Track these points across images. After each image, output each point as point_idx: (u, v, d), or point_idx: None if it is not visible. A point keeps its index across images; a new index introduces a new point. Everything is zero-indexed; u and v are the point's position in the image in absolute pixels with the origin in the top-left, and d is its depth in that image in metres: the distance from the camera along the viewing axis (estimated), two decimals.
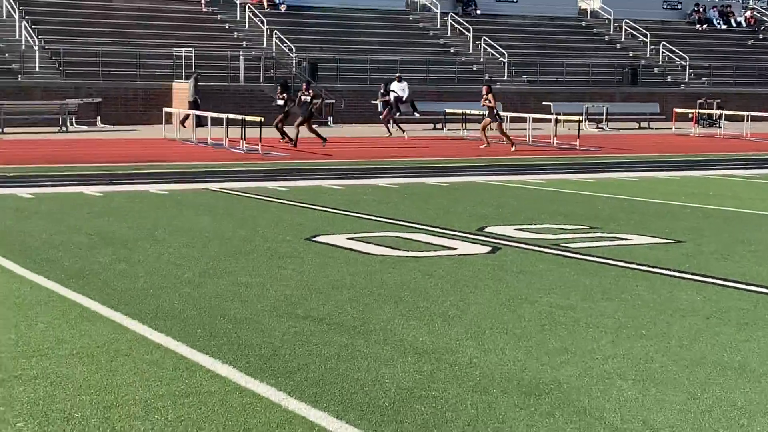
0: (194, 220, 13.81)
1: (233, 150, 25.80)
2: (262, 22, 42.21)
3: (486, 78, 42.13)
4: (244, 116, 26.58)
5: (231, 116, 27.10)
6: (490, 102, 27.70)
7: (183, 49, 37.94)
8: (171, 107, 33.88)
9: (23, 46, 36.79)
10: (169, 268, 10.19)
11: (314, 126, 28.42)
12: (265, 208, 15.31)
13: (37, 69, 36.10)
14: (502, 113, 30.42)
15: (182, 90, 36.26)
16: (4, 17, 38.70)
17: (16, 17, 38.03)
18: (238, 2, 43.33)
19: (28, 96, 34.67)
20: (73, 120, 33.96)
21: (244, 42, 41.45)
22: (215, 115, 28.21)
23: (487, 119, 28.17)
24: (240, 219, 13.98)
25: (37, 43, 36.84)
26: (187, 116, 31.20)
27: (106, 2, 41.68)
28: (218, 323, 7.87)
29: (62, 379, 6.36)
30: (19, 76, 35.68)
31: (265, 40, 41.83)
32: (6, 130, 31.32)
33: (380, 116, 34.96)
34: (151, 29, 40.51)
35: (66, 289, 9.02)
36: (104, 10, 41.26)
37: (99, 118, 35.02)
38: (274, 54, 40.66)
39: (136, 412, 5.78)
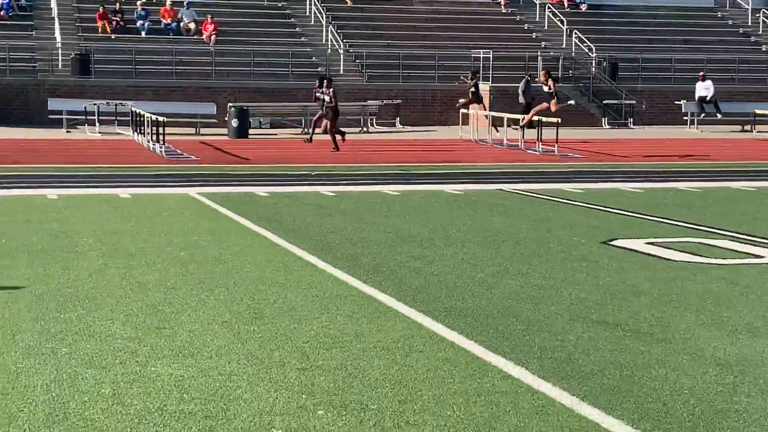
0: (488, 221, 13.88)
1: (529, 151, 25.76)
2: (562, 22, 41.90)
3: None
4: (540, 117, 26.47)
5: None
6: None
7: (481, 50, 38.31)
8: (468, 108, 34.26)
9: (329, 50, 38.41)
10: (463, 267, 10.27)
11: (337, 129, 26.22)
12: (560, 210, 15.15)
13: (341, 72, 37.58)
14: None
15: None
16: (313, 23, 40.56)
17: (323, 23, 39.77)
18: (537, 2, 43.24)
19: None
20: (374, 121, 35.10)
21: (543, 42, 41.31)
22: (510, 115, 28.26)
23: None
24: (534, 220, 13.91)
25: (342, 47, 38.37)
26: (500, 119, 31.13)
27: (406, 6, 42.77)
28: (511, 324, 7.85)
29: (360, 371, 6.54)
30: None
31: (564, 40, 41.50)
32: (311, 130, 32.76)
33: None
34: (449, 31, 41.19)
35: (364, 285, 9.29)
36: (405, 14, 42.35)
37: (398, 119, 35.99)
38: (573, 54, 40.27)
39: (429, 408, 5.85)
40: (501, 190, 17.81)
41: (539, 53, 39.33)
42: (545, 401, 5.98)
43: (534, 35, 42.03)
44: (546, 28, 42.66)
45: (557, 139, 25.22)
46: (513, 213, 14.75)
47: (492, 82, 36.88)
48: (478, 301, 8.67)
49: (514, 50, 39.85)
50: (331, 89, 26.21)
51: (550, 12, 42.88)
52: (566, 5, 43.92)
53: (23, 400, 5.90)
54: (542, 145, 25.75)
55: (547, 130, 25.73)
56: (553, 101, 27.75)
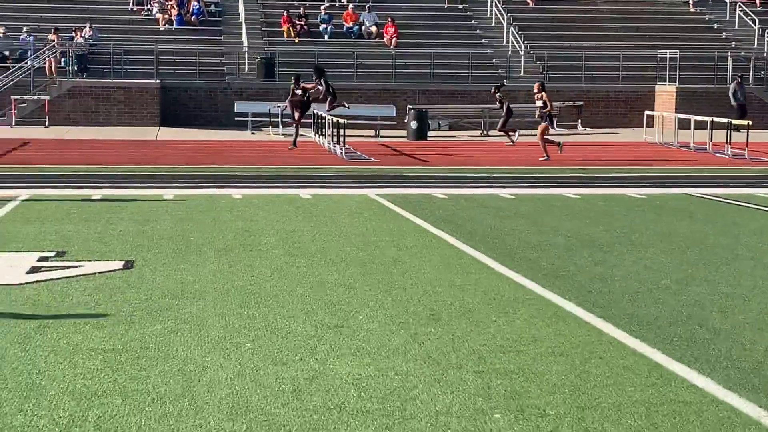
0: (673, 226, 13.49)
1: (717, 155, 24.93)
2: (754, 21, 40.39)
3: None
4: (730, 119, 25.57)
5: (716, 119, 26.20)
6: None
7: (668, 51, 37.33)
8: (653, 110, 33.48)
9: (509, 52, 38.21)
10: (646, 273, 10.01)
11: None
12: (750, 216, 14.59)
13: (522, 73, 37.32)
14: None
15: (666, 92, 35.71)
16: (493, 24, 40.43)
17: (504, 24, 39.58)
18: (728, 1, 41.82)
19: (512, 100, 35.93)
20: (555, 123, 34.69)
21: (733, 42, 39.93)
22: (698, 118, 27.43)
23: None
24: (722, 226, 13.44)
25: (523, 48, 38.10)
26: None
27: (590, 6, 42.11)
28: (696, 333, 7.59)
29: (537, 376, 6.46)
30: (505, 80, 37.09)
31: (755, 39, 40.00)
32: (490, 132, 32.68)
33: None
34: (634, 31, 40.31)
35: (543, 289, 9.18)
36: (588, 14, 41.70)
37: (579, 121, 35.47)
38: (765, 54, 38.77)
39: (609, 416, 5.72)
40: (687, 194, 17.30)
41: (729, 54, 38.02)
42: (731, 413, 5.75)
43: (724, 35, 40.68)
44: (736, 27, 41.21)
45: (747, 142, 24.31)
46: (699, 218, 14.30)
47: (678, 84, 35.89)
48: (662, 308, 8.42)
49: (703, 50, 38.65)
50: (302, 84, 26.18)
51: (741, 11, 41.40)
52: (758, 4, 42.30)
53: (208, 392, 6.08)
54: (731, 148, 24.87)
55: (737, 134, 24.84)
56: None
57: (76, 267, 10.03)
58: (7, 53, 35.23)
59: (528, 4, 41.80)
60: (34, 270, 9.85)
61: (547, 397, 6.05)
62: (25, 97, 33.28)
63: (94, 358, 6.76)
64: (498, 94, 30.39)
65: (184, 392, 6.08)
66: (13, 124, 32.41)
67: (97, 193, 16.19)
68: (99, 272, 9.76)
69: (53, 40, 35.05)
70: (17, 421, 5.54)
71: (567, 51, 38.36)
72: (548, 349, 7.10)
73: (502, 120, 30.03)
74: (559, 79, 37.07)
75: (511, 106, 30.46)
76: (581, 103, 35.81)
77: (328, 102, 26.88)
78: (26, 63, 34.22)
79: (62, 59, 35.05)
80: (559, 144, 23.67)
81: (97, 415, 5.67)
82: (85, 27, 36.24)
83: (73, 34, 35.80)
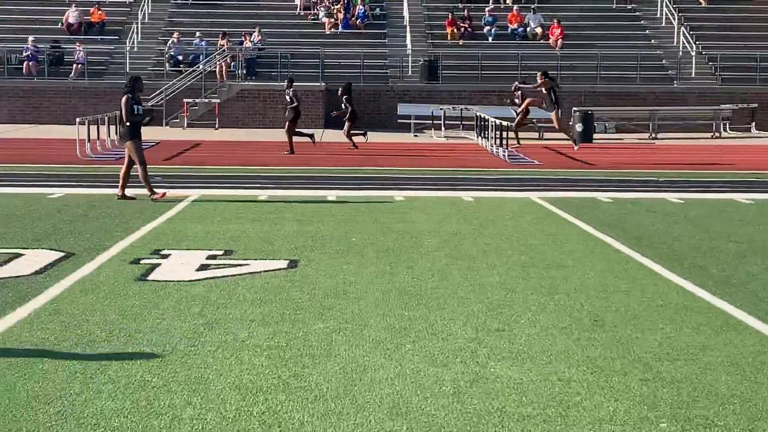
0: None
1: None
2: None
3: None
4: None
5: None
6: None
7: None
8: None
9: (680, 53, 37.24)
10: None
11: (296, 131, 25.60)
12: None
13: (693, 75, 36.33)
14: None
15: None
16: (663, 24, 39.49)
17: (675, 24, 38.60)
18: None
19: (682, 102, 35.04)
20: (727, 126, 33.64)
21: None
22: None
23: None
24: None
25: (694, 49, 37.08)
26: None
27: (765, 5, 40.62)
28: None
29: (706, 386, 6.25)
30: (675, 82, 36.20)
31: None
32: (659, 135, 31.95)
33: None
34: None
35: (712, 296, 8.88)
36: (763, 14, 40.25)
37: (753, 124, 34.26)
38: None
39: None
40: None
41: None
42: None
43: None
44: None
45: None
46: None
47: None
48: None
49: None
50: (292, 89, 25.94)
51: None
52: None
53: (369, 392, 6.12)
54: None
55: None
56: (554, 113, 25.65)
57: (243, 265, 10.27)
58: (180, 58, 36.48)
59: (700, 3, 40.67)
60: (203, 268, 10.14)
61: (716, 407, 5.84)
62: (196, 100, 34.39)
63: (259, 355, 6.90)
64: (519, 92, 29.04)
65: (345, 391, 6.14)
66: (185, 126, 33.52)
67: (263, 194, 16.56)
68: (264, 271, 9.97)
69: (223, 45, 36.09)
70: (186, 413, 5.70)
71: (740, 51, 37.13)
72: (718, 359, 6.86)
73: (518, 119, 28.30)
74: (731, 80, 35.94)
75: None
76: (755, 105, 34.57)
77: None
78: (198, 67, 35.35)
79: (232, 63, 36.05)
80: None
81: (262, 410, 5.78)
82: (254, 32, 37.18)
83: (243, 39, 36.78)
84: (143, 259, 10.52)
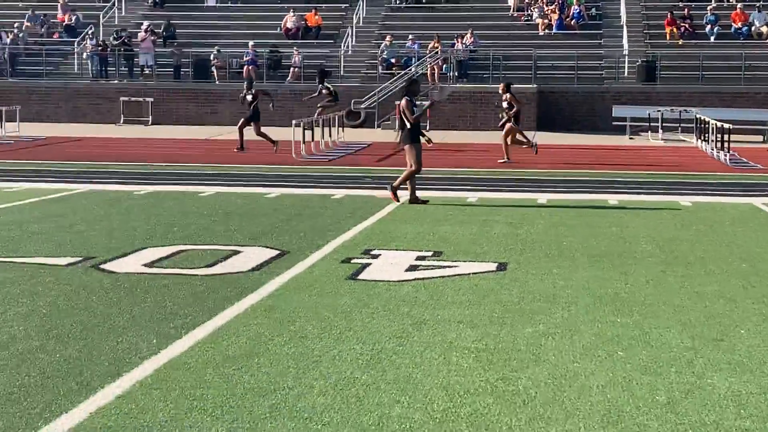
0: None
1: None
2: None
3: None
4: None
5: None
6: None
7: None
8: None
9: None
10: None
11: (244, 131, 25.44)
12: None
13: None
14: None
15: None
16: None
17: None
18: None
19: None
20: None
21: None
22: None
23: None
24: None
25: None
26: None
27: None
28: None
29: None
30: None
31: None
32: None
33: None
34: None
35: None
36: None
37: None
38: None
39: None
40: None
41: None
42: None
43: None
44: None
45: None
46: None
47: None
48: None
49: None
50: (253, 90, 25.68)
51: None
52: None
53: (579, 399, 5.99)
54: None
55: None
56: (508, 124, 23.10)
57: (452, 267, 10.27)
58: (393, 61, 36.98)
59: None
60: (412, 268, 10.21)
61: None
62: None
63: (467, 357, 6.87)
64: (508, 93, 26.21)
65: (554, 396, 6.03)
66: (397, 128, 33.94)
67: (472, 196, 16.54)
68: (473, 273, 9.94)
69: (436, 48, 36.35)
70: (394, 412, 5.73)
71: None
72: None
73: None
74: None
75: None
76: None
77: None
78: (410, 70, 35.74)
79: (444, 66, 36.26)
80: (533, 145, 23.27)
81: (469, 411, 5.75)
82: (466, 34, 37.29)
83: (455, 42, 36.94)
84: (354, 258, 10.69)
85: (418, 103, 16.25)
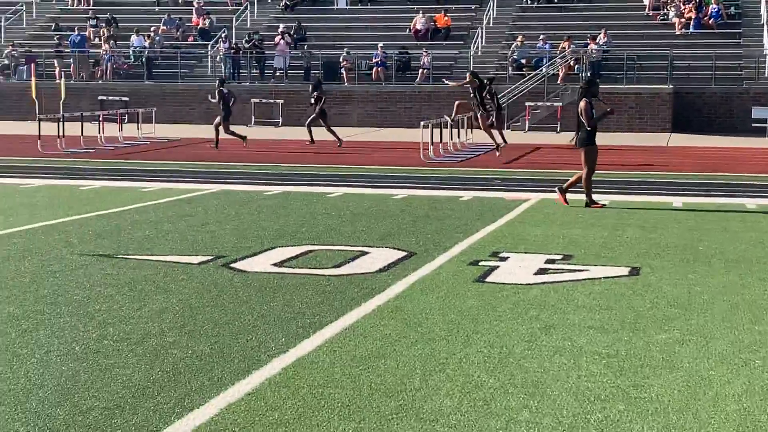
0: None
1: None
2: None
3: None
4: None
5: None
6: None
7: None
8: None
9: None
10: None
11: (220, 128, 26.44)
12: None
13: None
14: None
15: None
16: None
17: None
18: None
19: None
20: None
21: None
22: None
23: None
24: None
25: None
26: None
27: None
28: None
29: None
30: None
31: None
32: None
33: None
34: None
35: None
36: None
37: None
38: None
39: None
40: None
41: None
42: None
43: None
44: None
45: None
46: None
47: None
48: None
49: None
50: (223, 90, 26.42)
51: None
52: None
53: (714, 407, 5.80)
54: None
55: None
56: (481, 115, 23.68)
57: (582, 271, 10.09)
58: (523, 61, 36.68)
59: None
60: (541, 271, 10.07)
61: None
62: (538, 103, 34.42)
63: (597, 362, 6.73)
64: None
65: (687, 405, 5.85)
66: (527, 129, 33.66)
67: (604, 199, 16.22)
68: (604, 277, 9.75)
69: (566, 48, 35.91)
70: (522, 416, 5.65)
71: None
72: None
73: (493, 118, 26.19)
74: None
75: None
76: None
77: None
78: (541, 70, 35.39)
79: (575, 66, 35.79)
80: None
81: (599, 418, 5.62)
82: (599, 33, 36.72)
83: (588, 42, 36.42)
84: (482, 260, 10.61)
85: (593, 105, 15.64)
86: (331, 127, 27.37)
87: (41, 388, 6.06)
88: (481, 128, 25.60)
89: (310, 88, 27.82)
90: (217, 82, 27.55)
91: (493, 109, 26.90)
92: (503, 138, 26.78)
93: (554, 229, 12.92)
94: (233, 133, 26.55)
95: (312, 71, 38.16)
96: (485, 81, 26.81)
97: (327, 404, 5.83)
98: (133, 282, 9.27)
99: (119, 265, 10.16)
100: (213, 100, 27.15)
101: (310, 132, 27.56)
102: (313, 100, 27.02)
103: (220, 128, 26.49)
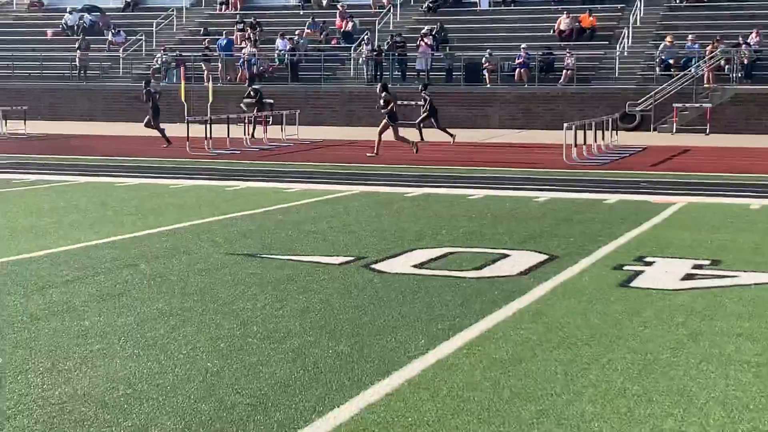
0: None
1: None
2: None
3: None
4: None
5: None
6: None
7: None
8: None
9: None
10: None
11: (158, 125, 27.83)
12: None
13: None
14: None
15: None
16: None
17: None
18: None
19: None
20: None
21: None
22: None
23: None
24: None
25: None
26: None
27: None
28: None
29: None
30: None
31: None
32: None
33: None
34: None
35: None
36: None
37: None
38: None
39: None
40: None
41: None
42: None
43: None
44: None
45: None
46: None
47: None
48: None
49: None
50: (150, 89, 27.63)
51: None
52: None
53: None
54: None
55: None
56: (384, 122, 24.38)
57: (731, 277, 9.79)
58: (671, 62, 35.86)
59: None
60: (688, 277, 9.80)
61: None
62: (686, 104, 33.59)
63: (745, 371, 6.51)
64: (424, 92, 29.28)
65: None
66: (674, 131, 32.89)
67: (755, 203, 15.71)
68: (755, 284, 9.43)
69: (715, 48, 34.95)
70: (667, 424, 5.51)
71: None
72: None
73: (434, 120, 29.36)
74: None
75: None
76: None
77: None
78: (689, 71, 34.53)
79: (726, 66, 34.80)
80: (413, 143, 24.79)
81: (748, 428, 5.44)
82: (751, 33, 35.63)
83: (739, 41, 35.37)
84: (626, 265, 10.40)
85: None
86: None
87: (188, 383, 6.21)
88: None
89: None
90: (144, 82, 29.12)
91: (426, 111, 29.62)
92: (422, 136, 29.04)
93: (702, 234, 12.57)
94: (161, 131, 27.87)
95: (454, 72, 38.14)
96: (420, 87, 30.34)
97: (466, 407, 5.80)
98: (276, 281, 9.42)
99: (263, 264, 10.34)
100: (142, 101, 28.47)
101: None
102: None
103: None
